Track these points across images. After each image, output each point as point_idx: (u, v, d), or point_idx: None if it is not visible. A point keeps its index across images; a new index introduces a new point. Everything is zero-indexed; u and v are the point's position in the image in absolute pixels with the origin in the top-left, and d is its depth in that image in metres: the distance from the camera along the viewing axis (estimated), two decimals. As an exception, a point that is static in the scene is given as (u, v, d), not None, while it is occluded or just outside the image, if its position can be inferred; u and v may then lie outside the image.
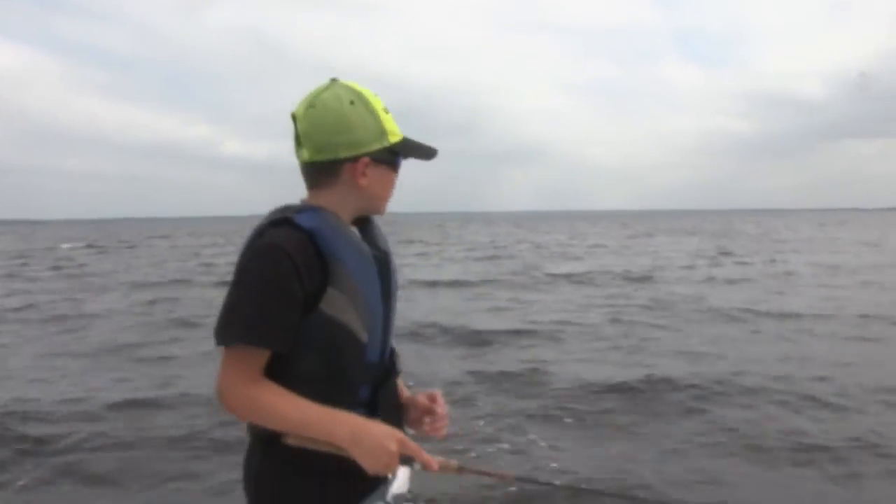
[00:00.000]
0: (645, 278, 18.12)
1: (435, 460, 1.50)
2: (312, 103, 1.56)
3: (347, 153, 1.56)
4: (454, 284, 17.50)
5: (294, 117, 1.59)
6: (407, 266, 22.30)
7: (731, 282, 17.10)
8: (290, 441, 1.48)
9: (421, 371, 7.53)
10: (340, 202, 1.60)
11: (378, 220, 1.76)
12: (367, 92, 1.60)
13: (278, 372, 1.49)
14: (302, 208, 1.57)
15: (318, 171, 1.59)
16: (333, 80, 1.60)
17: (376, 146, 1.58)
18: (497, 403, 6.56)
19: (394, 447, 1.45)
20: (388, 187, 1.65)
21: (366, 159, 1.57)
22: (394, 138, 1.60)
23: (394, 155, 1.62)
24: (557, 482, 1.72)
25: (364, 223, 1.69)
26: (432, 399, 1.73)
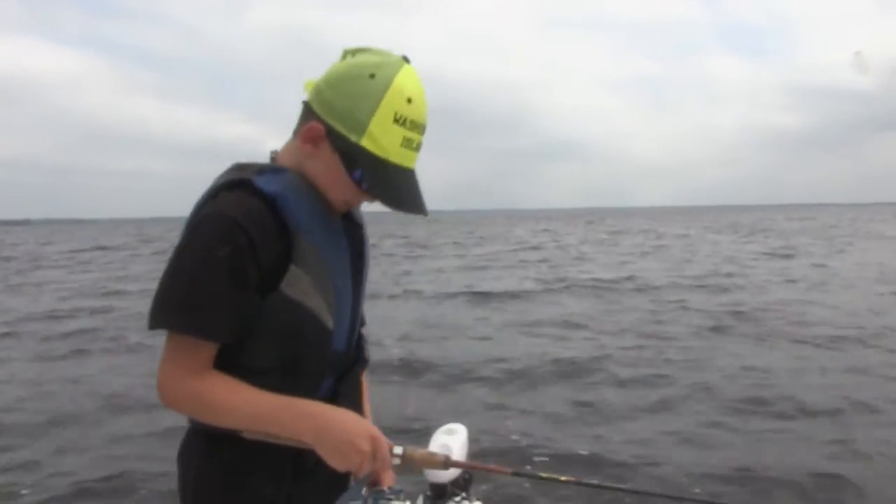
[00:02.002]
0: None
1: (417, 453, 1.36)
2: (358, 53, 1.37)
3: (318, 109, 1.32)
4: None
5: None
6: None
7: None
8: (247, 436, 1.30)
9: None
10: (296, 161, 1.37)
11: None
12: (404, 87, 1.29)
13: (226, 362, 1.30)
14: (265, 168, 1.36)
15: (301, 115, 1.37)
16: (402, 57, 1.35)
17: (343, 128, 1.30)
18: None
19: (366, 447, 1.27)
20: (334, 184, 1.35)
21: (320, 127, 1.31)
22: (369, 144, 1.29)
23: (354, 160, 1.31)
24: (563, 478, 1.49)
25: None
26: None
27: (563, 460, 5.14)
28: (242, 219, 1.25)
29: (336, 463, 1.28)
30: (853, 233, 37.91)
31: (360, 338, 1.58)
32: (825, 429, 5.67)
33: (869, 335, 9.29)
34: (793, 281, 15.65)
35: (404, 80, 1.31)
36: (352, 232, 1.47)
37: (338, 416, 1.30)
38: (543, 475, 1.46)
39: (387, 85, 1.29)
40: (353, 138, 1.30)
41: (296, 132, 1.38)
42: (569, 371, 7.73)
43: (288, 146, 1.41)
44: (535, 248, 30.90)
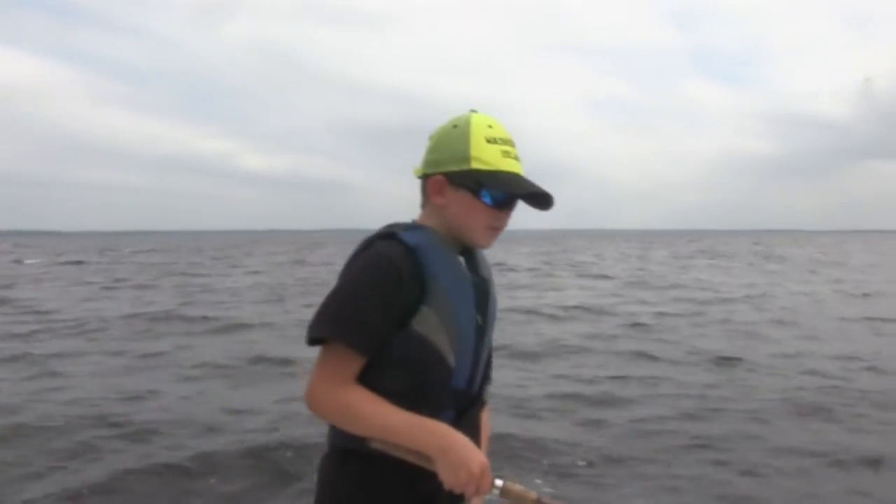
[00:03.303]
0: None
1: (515, 488, 1.48)
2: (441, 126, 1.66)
3: (430, 170, 1.63)
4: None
5: None
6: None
7: None
8: (375, 445, 1.49)
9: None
10: (434, 223, 1.63)
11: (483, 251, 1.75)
12: (482, 121, 1.61)
13: (363, 384, 1.51)
14: (409, 226, 1.63)
15: (421, 189, 1.67)
16: (471, 111, 1.64)
17: (453, 167, 1.59)
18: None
19: (476, 470, 1.44)
20: (472, 215, 1.60)
21: (440, 178, 1.60)
22: (478, 165, 1.57)
23: (476, 183, 1.57)
24: None
25: (467, 250, 1.69)
26: None
27: None
28: (395, 261, 1.50)
29: (448, 478, 1.44)
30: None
31: (484, 382, 1.73)
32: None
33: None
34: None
35: (479, 117, 1.62)
36: (480, 286, 1.66)
37: (461, 440, 1.47)
38: None
39: (468, 124, 1.60)
40: (465, 167, 1.57)
41: (423, 205, 1.68)
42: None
43: (422, 215, 1.68)
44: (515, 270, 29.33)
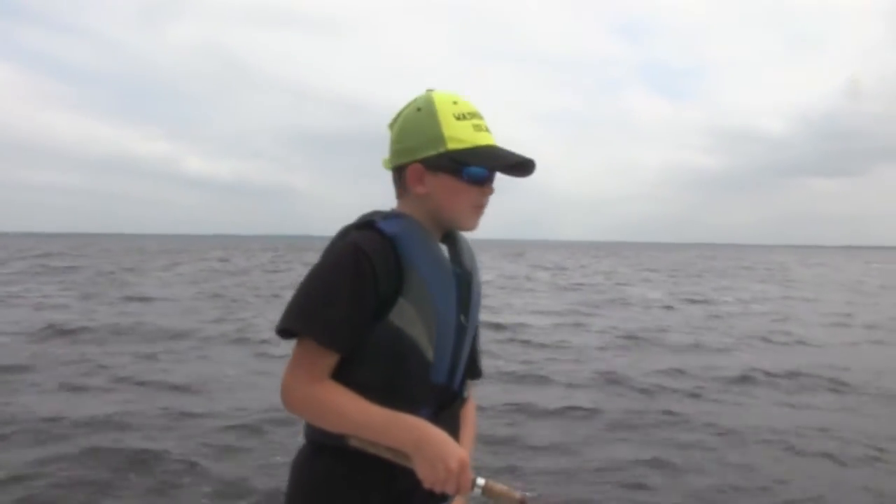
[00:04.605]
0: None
1: (497, 487, 1.41)
2: (399, 113, 1.61)
3: (404, 159, 1.56)
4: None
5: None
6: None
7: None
8: (353, 443, 1.44)
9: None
10: (414, 212, 1.57)
11: (466, 237, 1.70)
12: (445, 98, 1.55)
13: (336, 378, 1.47)
14: (388, 215, 1.56)
15: (394, 181, 1.61)
16: (427, 90, 1.59)
17: (430, 152, 1.53)
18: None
19: (454, 466, 1.37)
20: (456, 198, 1.54)
21: (417, 166, 1.54)
22: (454, 144, 1.51)
23: (456, 163, 1.51)
24: None
25: (450, 239, 1.63)
26: None
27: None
28: (370, 252, 1.44)
29: (425, 474, 1.38)
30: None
31: (465, 378, 1.67)
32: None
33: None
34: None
35: (441, 95, 1.56)
36: (462, 277, 1.59)
37: (438, 435, 1.40)
38: None
39: (432, 104, 1.54)
40: (442, 150, 1.51)
41: (399, 195, 1.61)
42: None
43: (400, 204, 1.61)
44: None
